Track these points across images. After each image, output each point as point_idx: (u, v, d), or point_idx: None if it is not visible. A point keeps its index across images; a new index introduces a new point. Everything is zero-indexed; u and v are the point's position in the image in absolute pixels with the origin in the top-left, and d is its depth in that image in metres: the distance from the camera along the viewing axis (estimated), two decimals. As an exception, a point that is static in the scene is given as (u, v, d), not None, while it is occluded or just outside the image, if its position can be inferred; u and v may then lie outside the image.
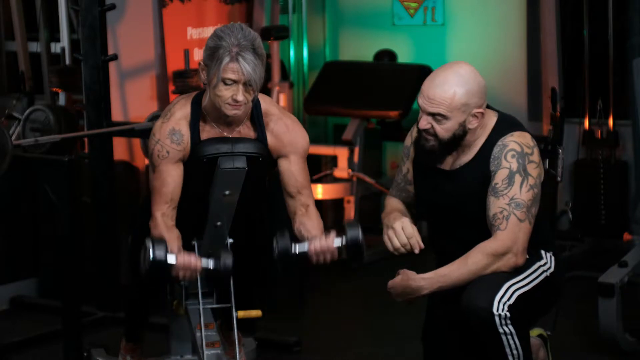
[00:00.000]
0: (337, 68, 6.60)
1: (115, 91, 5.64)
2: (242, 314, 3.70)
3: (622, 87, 5.94)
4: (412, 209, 3.66)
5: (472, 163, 3.46)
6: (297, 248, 3.50)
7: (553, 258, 3.51)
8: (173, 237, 3.51)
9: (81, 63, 5.03)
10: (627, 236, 4.88)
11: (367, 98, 6.27)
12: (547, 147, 5.30)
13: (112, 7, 5.04)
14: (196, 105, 3.58)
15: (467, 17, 6.60)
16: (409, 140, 3.63)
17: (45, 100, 6.04)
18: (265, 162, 3.60)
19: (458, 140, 3.43)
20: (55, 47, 6.17)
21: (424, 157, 3.52)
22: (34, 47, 6.26)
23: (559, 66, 6.08)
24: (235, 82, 3.41)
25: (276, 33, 6.32)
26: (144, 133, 4.89)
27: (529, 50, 6.39)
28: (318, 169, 6.32)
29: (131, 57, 5.83)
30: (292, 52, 6.81)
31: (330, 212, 6.63)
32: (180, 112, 3.57)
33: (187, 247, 3.66)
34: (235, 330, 3.69)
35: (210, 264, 3.51)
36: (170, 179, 3.54)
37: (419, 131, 3.47)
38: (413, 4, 6.71)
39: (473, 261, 3.36)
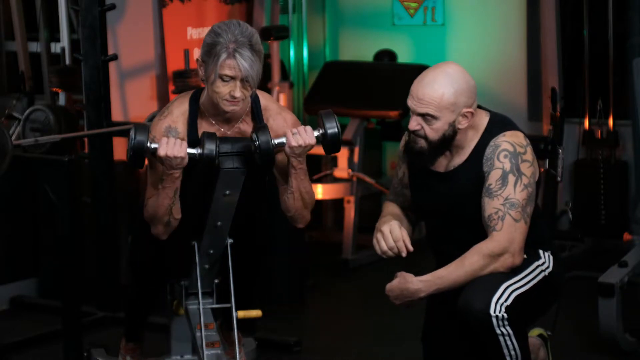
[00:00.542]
0: (337, 68, 6.59)
1: (115, 91, 5.65)
2: (242, 314, 3.70)
3: (622, 87, 5.94)
4: (411, 213, 3.65)
5: (465, 164, 3.45)
6: (275, 141, 3.45)
7: (552, 257, 3.51)
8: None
9: (81, 63, 5.03)
10: (627, 236, 4.88)
11: (367, 98, 6.27)
12: (547, 147, 5.29)
13: (112, 7, 5.04)
14: (194, 101, 3.58)
15: (467, 17, 6.60)
16: (403, 143, 3.63)
17: (45, 100, 6.04)
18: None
19: (448, 141, 3.42)
20: (55, 47, 6.17)
21: (414, 159, 3.51)
22: (34, 47, 6.26)
23: (559, 66, 6.08)
24: (232, 78, 3.41)
25: (276, 33, 6.32)
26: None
27: (529, 50, 6.39)
28: (318, 169, 6.32)
29: (131, 57, 5.83)
30: (292, 52, 6.81)
31: (330, 212, 6.63)
32: (178, 109, 3.57)
33: (186, 247, 3.66)
34: (235, 330, 3.69)
35: (197, 151, 3.44)
36: (165, 176, 3.54)
37: (409, 133, 3.47)
38: (413, 4, 6.72)
39: (470, 262, 3.36)
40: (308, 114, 6.52)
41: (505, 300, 3.32)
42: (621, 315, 4.40)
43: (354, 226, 6.04)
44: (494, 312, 3.30)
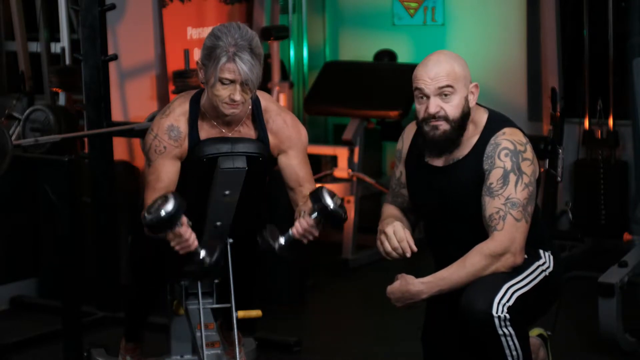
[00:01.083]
0: (337, 68, 6.59)
1: (115, 91, 5.65)
2: (242, 314, 3.70)
3: (622, 87, 5.94)
4: (409, 214, 3.65)
5: (465, 159, 3.45)
6: (282, 239, 3.49)
7: (552, 257, 3.51)
8: None
9: (81, 63, 5.03)
10: (627, 236, 4.88)
11: (367, 98, 6.27)
12: (547, 147, 5.30)
13: (112, 7, 5.04)
14: (195, 103, 3.58)
15: (467, 17, 6.61)
16: (400, 144, 3.63)
17: (45, 100, 6.05)
18: (265, 162, 3.60)
19: (465, 120, 3.42)
20: (55, 47, 6.18)
21: (433, 151, 3.48)
22: (34, 47, 6.26)
23: (559, 66, 6.08)
24: (232, 81, 3.42)
25: (276, 33, 6.32)
26: (143, 133, 4.87)
27: (529, 50, 6.39)
28: (318, 169, 6.32)
29: (131, 57, 5.83)
30: (292, 52, 6.82)
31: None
32: (180, 109, 3.58)
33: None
34: (235, 330, 3.69)
35: (202, 253, 3.49)
36: (165, 175, 3.54)
37: (422, 125, 3.45)
38: (413, 4, 6.72)
39: (471, 263, 3.36)
40: (308, 114, 6.52)
41: (507, 301, 3.32)
42: (621, 315, 4.40)
43: (354, 226, 6.04)
44: (496, 313, 3.30)
